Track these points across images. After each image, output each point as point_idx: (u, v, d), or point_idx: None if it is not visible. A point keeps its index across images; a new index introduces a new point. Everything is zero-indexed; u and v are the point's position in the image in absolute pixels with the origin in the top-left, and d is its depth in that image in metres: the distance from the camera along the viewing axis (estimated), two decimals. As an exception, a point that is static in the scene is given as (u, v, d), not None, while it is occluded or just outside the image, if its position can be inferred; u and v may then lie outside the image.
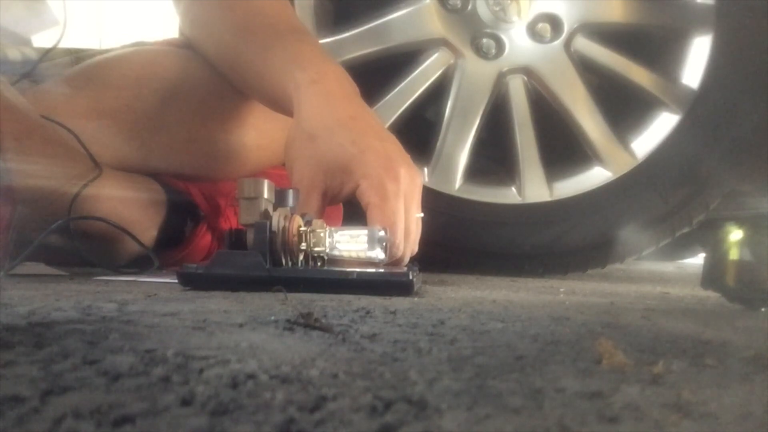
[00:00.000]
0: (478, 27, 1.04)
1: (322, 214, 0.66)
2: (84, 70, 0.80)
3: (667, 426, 0.22)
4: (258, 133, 0.85)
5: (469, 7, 1.03)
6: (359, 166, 0.65)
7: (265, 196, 0.61)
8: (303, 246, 0.61)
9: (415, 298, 0.57)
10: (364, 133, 0.67)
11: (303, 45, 0.72)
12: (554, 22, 1.03)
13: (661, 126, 1.03)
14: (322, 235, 0.61)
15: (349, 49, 1.03)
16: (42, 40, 0.96)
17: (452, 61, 1.06)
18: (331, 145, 0.66)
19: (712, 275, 0.58)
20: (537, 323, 0.43)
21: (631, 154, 1.04)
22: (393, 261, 0.66)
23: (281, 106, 0.72)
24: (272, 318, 0.41)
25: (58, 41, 0.83)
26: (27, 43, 0.91)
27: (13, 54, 0.85)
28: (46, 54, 0.83)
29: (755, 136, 1.00)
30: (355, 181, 0.66)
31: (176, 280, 0.61)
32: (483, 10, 1.03)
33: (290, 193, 0.63)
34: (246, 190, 0.61)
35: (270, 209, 0.62)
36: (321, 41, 0.96)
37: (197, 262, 0.74)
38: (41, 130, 0.67)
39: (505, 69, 1.05)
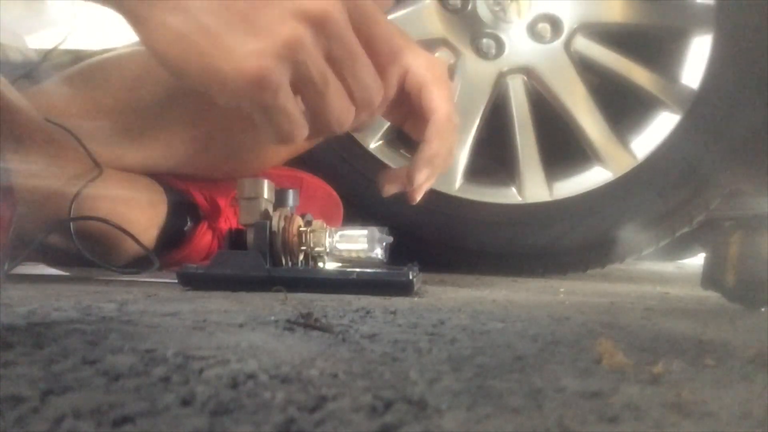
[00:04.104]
0: (478, 27, 1.04)
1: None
2: (84, 70, 0.80)
3: (667, 426, 0.22)
4: (258, 133, 0.85)
5: (469, 7, 1.03)
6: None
7: (265, 196, 0.61)
8: (303, 246, 0.61)
9: (415, 298, 0.57)
10: None
11: None
12: (554, 22, 1.03)
13: (661, 126, 1.03)
14: (322, 235, 0.61)
15: (349, 49, 1.03)
16: (41, 40, 0.96)
17: (452, 61, 1.06)
18: None
19: (712, 275, 0.58)
20: (537, 323, 0.43)
21: (631, 154, 1.04)
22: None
23: None
24: (272, 318, 0.41)
25: (63, 41, 0.83)
26: (22, 42, 0.91)
27: (14, 54, 0.85)
28: (48, 54, 0.83)
29: (755, 136, 1.00)
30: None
31: (176, 280, 0.61)
32: (483, 10, 1.03)
33: (290, 193, 0.64)
34: (246, 190, 0.61)
35: (270, 209, 0.62)
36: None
37: (197, 262, 0.74)
38: (41, 130, 0.67)
39: (505, 69, 1.05)
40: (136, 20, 0.44)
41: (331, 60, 0.45)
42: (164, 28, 0.43)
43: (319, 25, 0.43)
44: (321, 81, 0.44)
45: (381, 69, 0.47)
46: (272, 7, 0.42)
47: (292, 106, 0.45)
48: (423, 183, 0.60)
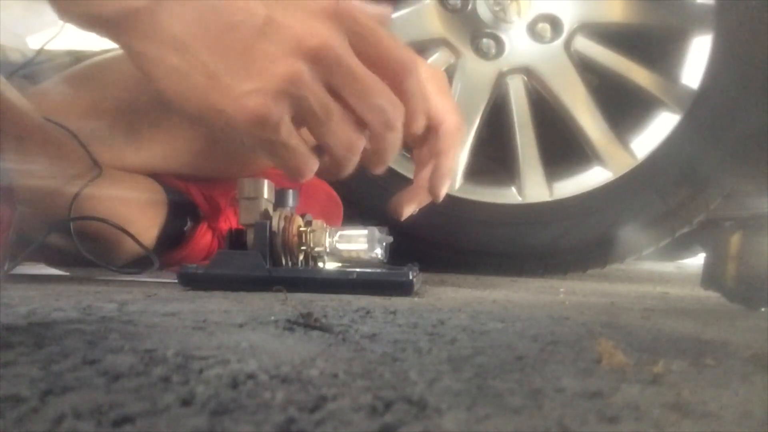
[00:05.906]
0: (478, 27, 1.04)
1: None
2: (84, 70, 0.80)
3: (667, 426, 0.22)
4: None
5: (469, 7, 1.03)
6: None
7: (265, 196, 0.61)
8: (303, 246, 0.61)
9: (415, 298, 0.57)
10: None
11: None
12: (554, 22, 1.03)
13: (661, 126, 1.03)
14: (322, 235, 0.61)
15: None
16: (41, 40, 0.96)
17: (452, 61, 1.06)
18: None
19: (712, 275, 0.58)
20: (537, 323, 0.43)
21: (631, 154, 1.04)
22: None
23: None
24: (272, 318, 0.41)
25: (53, 38, 0.83)
26: (22, 43, 0.92)
27: (14, 54, 0.85)
28: (40, 51, 0.83)
29: (755, 136, 1.00)
30: None
31: (176, 280, 0.61)
32: (483, 10, 1.03)
33: (290, 193, 0.64)
34: (246, 190, 0.61)
35: (270, 209, 0.62)
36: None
37: (197, 262, 0.74)
38: (41, 130, 0.67)
39: (505, 69, 1.05)
40: (134, 55, 0.44)
41: (335, 89, 0.44)
42: (163, 65, 0.43)
43: (316, 57, 0.42)
44: (323, 113, 0.44)
45: (397, 85, 0.46)
46: (268, 44, 0.42)
47: (296, 141, 0.45)
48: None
